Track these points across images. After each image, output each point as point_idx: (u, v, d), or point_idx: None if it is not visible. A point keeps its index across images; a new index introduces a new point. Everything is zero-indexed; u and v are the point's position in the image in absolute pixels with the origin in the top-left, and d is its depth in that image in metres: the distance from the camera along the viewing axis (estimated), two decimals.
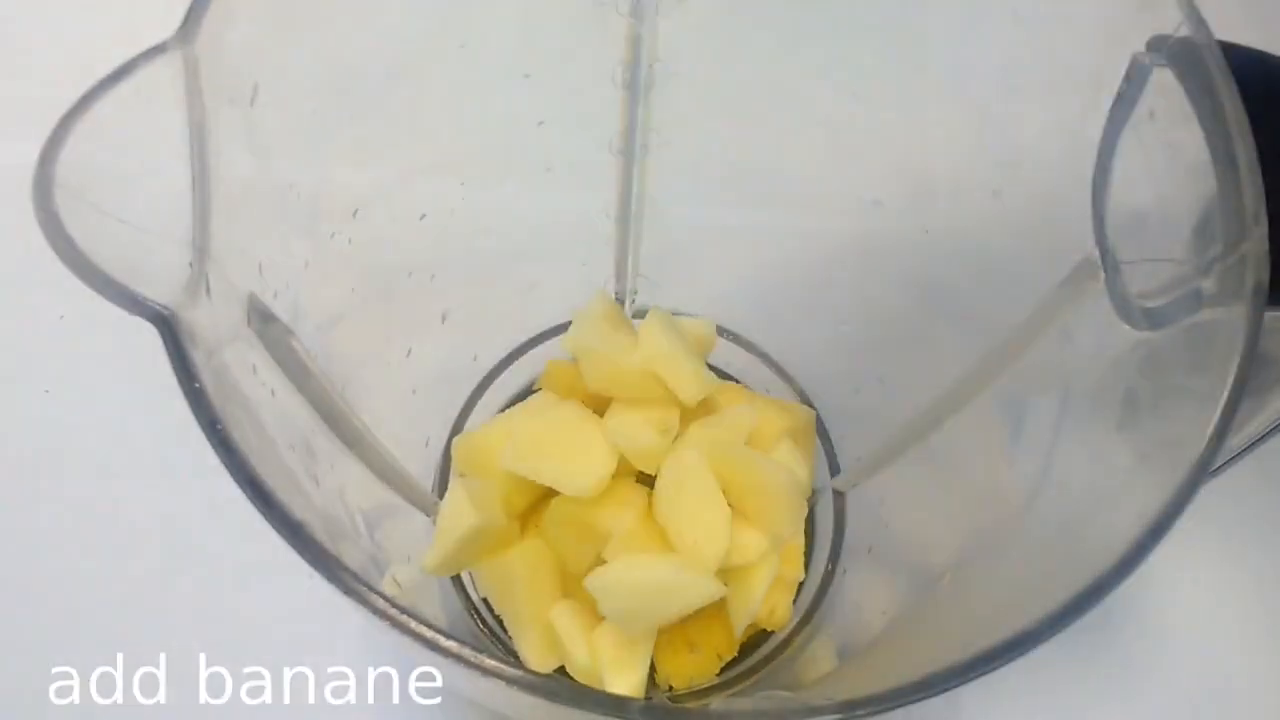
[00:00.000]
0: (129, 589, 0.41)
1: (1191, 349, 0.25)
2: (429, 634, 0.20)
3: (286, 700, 0.39)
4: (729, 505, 0.34)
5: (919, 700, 0.20)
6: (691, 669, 0.36)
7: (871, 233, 0.40)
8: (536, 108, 0.38)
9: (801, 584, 0.39)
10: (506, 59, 0.37)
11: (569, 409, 0.37)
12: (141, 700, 0.39)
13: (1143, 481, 0.23)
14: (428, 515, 0.38)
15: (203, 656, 0.39)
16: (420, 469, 0.39)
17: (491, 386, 0.43)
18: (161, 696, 0.39)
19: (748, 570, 0.35)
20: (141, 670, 0.39)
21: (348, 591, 0.21)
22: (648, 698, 0.34)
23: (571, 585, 0.35)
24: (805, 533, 0.40)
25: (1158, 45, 0.26)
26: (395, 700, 0.39)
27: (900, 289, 0.40)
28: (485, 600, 0.37)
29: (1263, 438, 0.31)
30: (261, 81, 0.28)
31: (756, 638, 0.38)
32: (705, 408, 0.38)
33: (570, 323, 0.42)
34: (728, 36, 0.37)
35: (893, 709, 0.20)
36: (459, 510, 0.33)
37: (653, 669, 0.35)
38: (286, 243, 0.31)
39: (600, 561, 0.34)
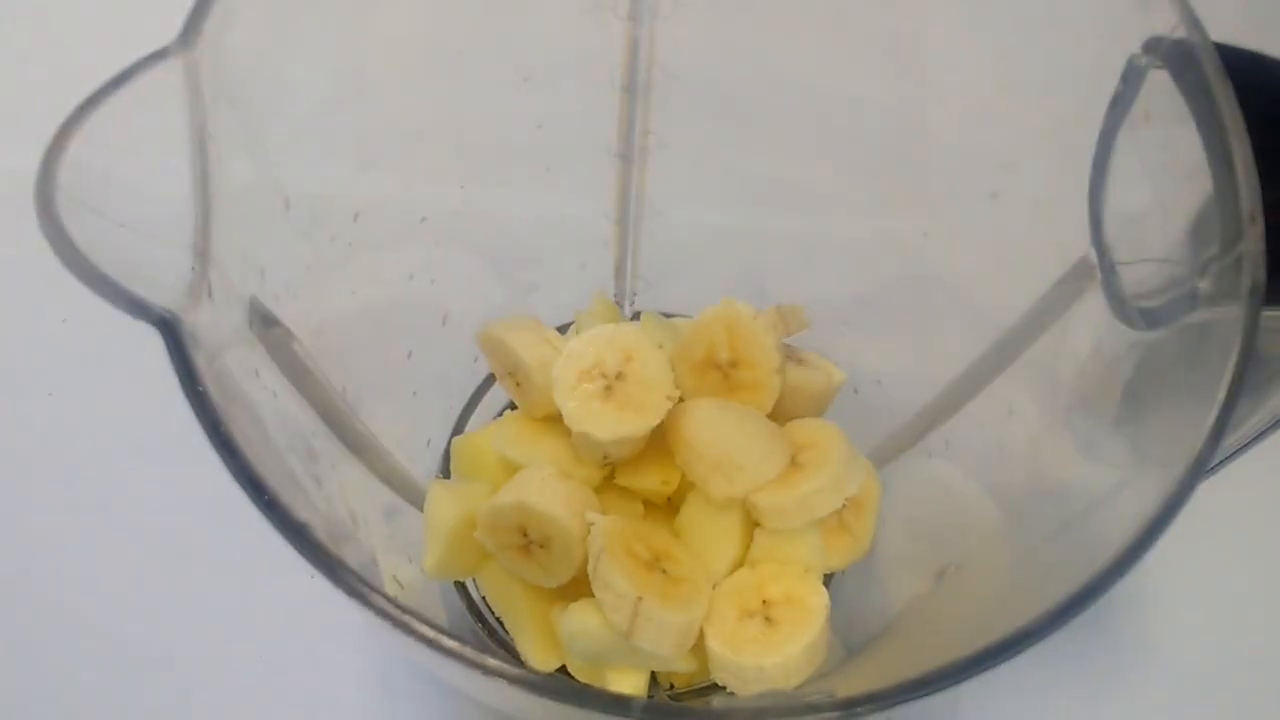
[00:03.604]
0: (131, 588, 0.41)
1: (1188, 348, 0.26)
2: (430, 634, 0.20)
3: (287, 697, 0.39)
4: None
5: (918, 698, 0.20)
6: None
7: (869, 234, 0.40)
8: (535, 111, 0.38)
9: None
10: (505, 63, 0.37)
11: None
12: (143, 697, 0.39)
13: (1140, 479, 0.24)
14: None
15: (204, 655, 0.40)
16: (421, 470, 0.39)
17: (492, 389, 0.43)
18: (162, 694, 0.39)
19: None
20: (142, 669, 0.39)
21: (350, 592, 0.21)
22: (649, 696, 0.34)
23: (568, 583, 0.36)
24: None
25: (1154, 47, 0.27)
26: (396, 698, 0.39)
27: (898, 290, 0.40)
28: (485, 599, 0.37)
29: (1260, 436, 0.31)
30: (262, 86, 0.28)
31: None
32: None
33: (571, 324, 0.42)
34: (725, 39, 0.37)
35: (892, 706, 0.20)
36: (440, 507, 0.34)
37: None
38: (288, 246, 0.31)
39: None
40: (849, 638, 0.34)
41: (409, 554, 0.35)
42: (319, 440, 0.31)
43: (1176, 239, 0.26)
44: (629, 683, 0.32)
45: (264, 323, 0.28)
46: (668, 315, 0.42)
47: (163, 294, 0.23)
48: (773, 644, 0.31)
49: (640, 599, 0.30)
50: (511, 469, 0.35)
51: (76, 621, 0.41)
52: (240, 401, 0.24)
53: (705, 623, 0.32)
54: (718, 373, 0.34)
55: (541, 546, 0.32)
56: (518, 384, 0.36)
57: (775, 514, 0.32)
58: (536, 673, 0.20)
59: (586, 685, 0.33)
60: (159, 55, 0.24)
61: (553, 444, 0.35)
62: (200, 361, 0.22)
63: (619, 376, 0.33)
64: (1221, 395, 0.23)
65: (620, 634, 0.30)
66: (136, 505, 0.43)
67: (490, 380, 0.43)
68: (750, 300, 0.34)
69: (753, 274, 0.43)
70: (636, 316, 0.45)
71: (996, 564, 0.30)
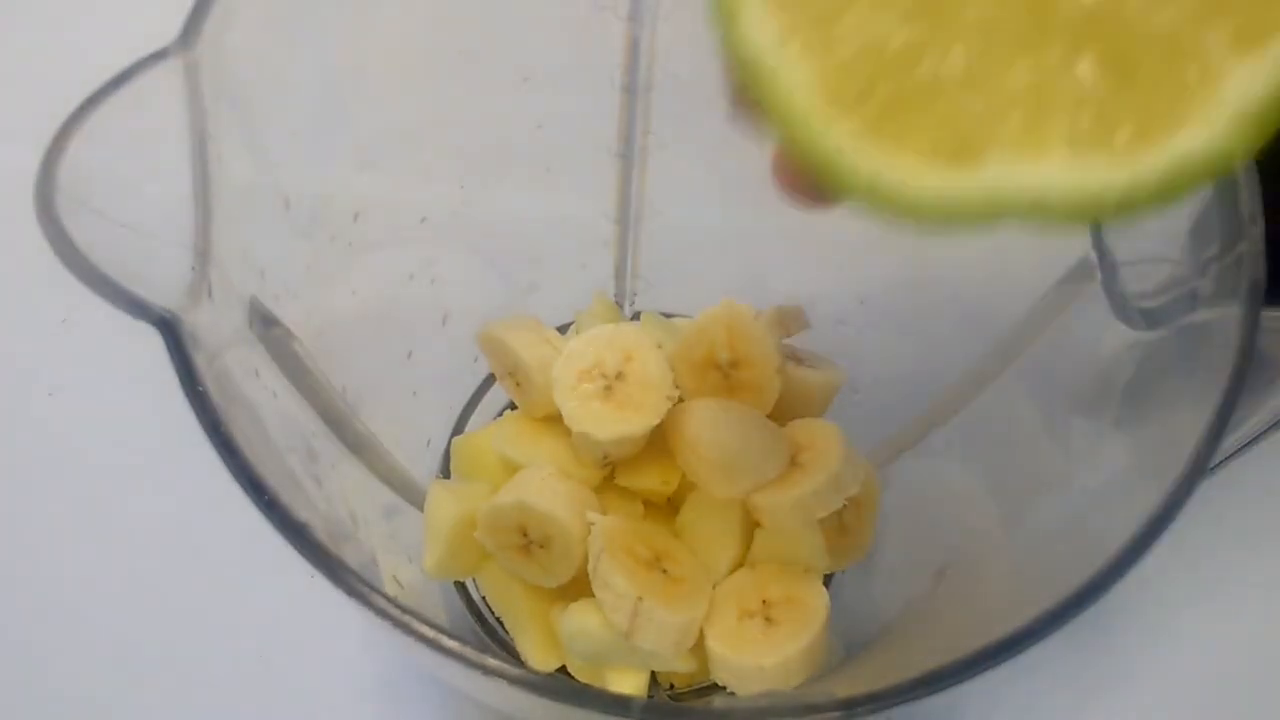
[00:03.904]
0: (131, 589, 0.41)
1: (1188, 348, 0.26)
2: (431, 634, 0.20)
3: (287, 697, 0.39)
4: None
5: (919, 698, 0.20)
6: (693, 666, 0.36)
7: (869, 234, 0.40)
8: (536, 111, 0.38)
9: None
10: (506, 63, 0.37)
11: None
12: (143, 698, 0.39)
13: (1140, 479, 0.24)
14: None
15: (204, 655, 0.40)
16: (421, 470, 0.39)
17: (492, 388, 0.43)
18: (163, 694, 0.39)
19: None
20: (143, 669, 0.39)
21: (350, 592, 0.21)
22: (650, 696, 0.34)
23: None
24: None
25: None
26: (396, 699, 0.39)
27: (898, 290, 0.40)
28: (485, 599, 0.37)
29: (1260, 435, 0.31)
30: (262, 86, 0.28)
31: None
32: None
33: (571, 324, 0.42)
34: None
35: (892, 706, 0.20)
36: (440, 507, 0.34)
37: None
38: (288, 246, 0.31)
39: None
40: (849, 638, 0.34)
41: (409, 554, 0.35)
42: (319, 440, 0.31)
43: (1177, 239, 0.26)
44: (629, 683, 0.32)
45: (264, 323, 0.28)
46: (668, 315, 0.42)
47: (163, 294, 0.23)
48: (773, 644, 0.31)
49: (640, 599, 0.30)
50: (511, 469, 0.35)
51: (76, 621, 0.41)
52: (240, 401, 0.24)
53: (705, 623, 0.32)
54: (718, 373, 0.34)
55: (541, 546, 0.32)
56: (518, 384, 0.36)
57: (775, 514, 0.32)
58: (536, 673, 0.20)
59: (586, 685, 0.33)
60: (159, 55, 0.24)
61: (553, 444, 0.35)
62: (200, 361, 0.22)
63: (619, 376, 0.33)
64: (1221, 395, 0.23)
65: (620, 634, 0.30)
66: (136, 505, 0.43)
67: (490, 380, 0.43)
68: (750, 300, 0.34)
69: (753, 274, 0.43)
70: (636, 316, 0.45)
71: (996, 564, 0.30)
